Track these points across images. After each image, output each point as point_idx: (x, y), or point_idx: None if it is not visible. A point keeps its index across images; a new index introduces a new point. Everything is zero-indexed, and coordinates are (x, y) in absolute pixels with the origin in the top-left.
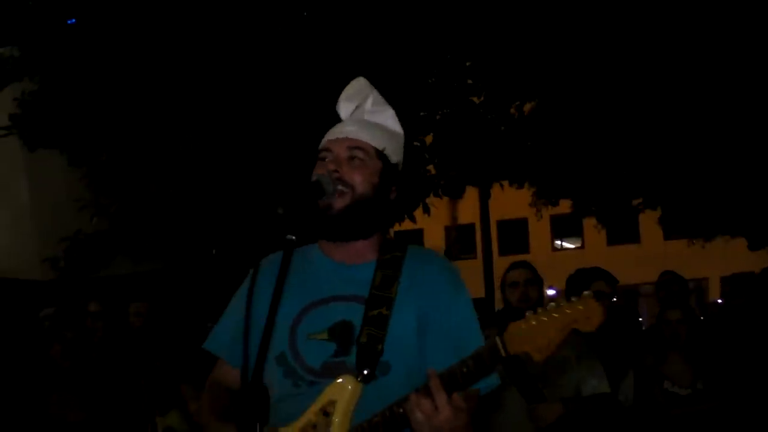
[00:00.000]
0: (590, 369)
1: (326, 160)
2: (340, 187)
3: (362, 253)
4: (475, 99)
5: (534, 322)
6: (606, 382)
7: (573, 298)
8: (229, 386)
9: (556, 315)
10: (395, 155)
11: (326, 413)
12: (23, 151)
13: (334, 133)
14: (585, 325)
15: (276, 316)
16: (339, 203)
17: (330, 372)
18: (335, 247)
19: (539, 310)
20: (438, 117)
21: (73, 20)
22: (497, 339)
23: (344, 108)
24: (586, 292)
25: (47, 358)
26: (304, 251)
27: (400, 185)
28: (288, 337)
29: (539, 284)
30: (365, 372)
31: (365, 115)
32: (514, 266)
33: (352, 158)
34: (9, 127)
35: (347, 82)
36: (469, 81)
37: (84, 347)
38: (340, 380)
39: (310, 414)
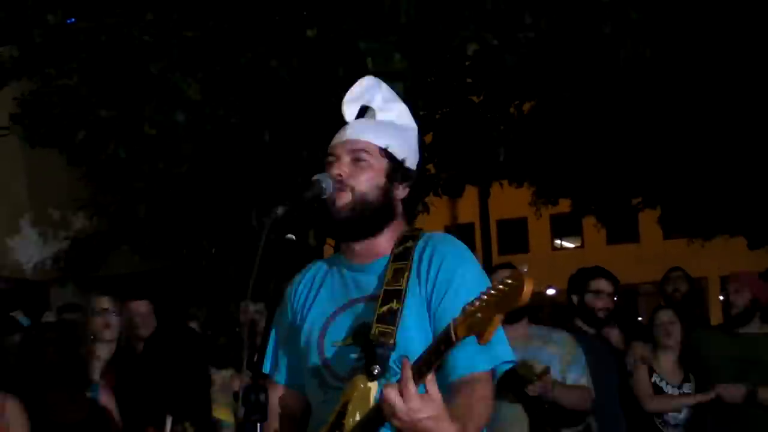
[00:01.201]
0: (576, 365)
1: (331, 163)
2: (341, 188)
3: (377, 250)
4: (474, 98)
5: (477, 304)
6: (589, 378)
7: (503, 278)
8: (289, 410)
9: (493, 292)
10: (402, 151)
11: (341, 414)
12: (23, 150)
13: (339, 136)
14: (513, 299)
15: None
16: (341, 203)
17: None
18: (351, 249)
19: (481, 293)
20: (437, 116)
21: (73, 20)
22: (451, 324)
23: (348, 109)
24: (519, 269)
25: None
26: (331, 261)
27: (411, 181)
28: (317, 349)
29: None
30: (375, 371)
31: (377, 115)
32: (501, 268)
33: (356, 160)
34: (9, 127)
35: (348, 81)
36: (469, 80)
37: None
38: (352, 381)
39: (332, 417)
